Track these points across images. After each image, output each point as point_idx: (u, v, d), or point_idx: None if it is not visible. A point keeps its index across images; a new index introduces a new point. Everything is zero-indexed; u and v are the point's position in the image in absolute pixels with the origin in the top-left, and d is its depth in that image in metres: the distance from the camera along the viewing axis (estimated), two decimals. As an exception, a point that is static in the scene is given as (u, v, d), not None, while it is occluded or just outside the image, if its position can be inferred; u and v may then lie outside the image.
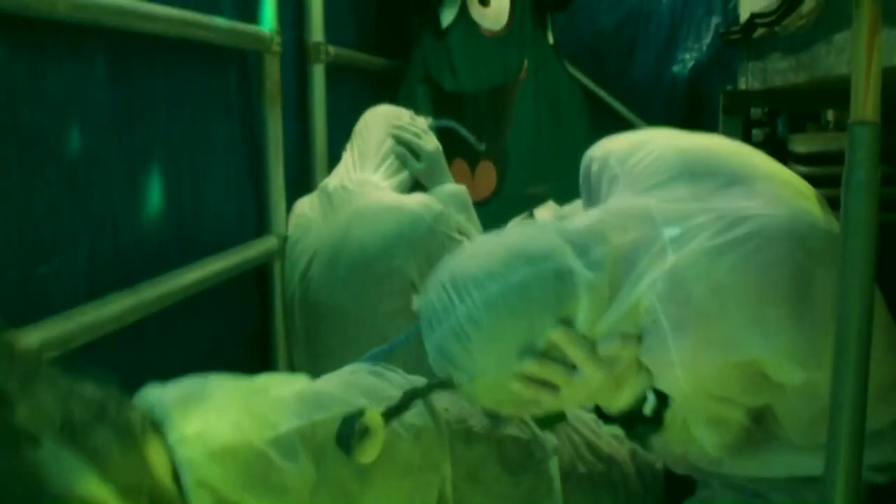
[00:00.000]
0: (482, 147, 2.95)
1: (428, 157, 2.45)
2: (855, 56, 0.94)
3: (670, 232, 1.29)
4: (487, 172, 3.29)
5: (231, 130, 2.20)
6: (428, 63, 3.31)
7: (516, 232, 1.38)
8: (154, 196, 1.84)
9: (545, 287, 1.26)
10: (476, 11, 3.31)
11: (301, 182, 2.64)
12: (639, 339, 1.29)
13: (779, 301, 1.22)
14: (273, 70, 2.33)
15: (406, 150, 2.44)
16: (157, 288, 1.77)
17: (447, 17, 3.29)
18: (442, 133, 3.24)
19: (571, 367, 1.29)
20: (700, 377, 1.26)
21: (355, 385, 1.47)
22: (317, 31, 2.69)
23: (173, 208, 1.91)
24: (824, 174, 2.50)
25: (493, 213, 3.24)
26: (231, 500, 1.20)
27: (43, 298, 1.49)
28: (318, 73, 2.71)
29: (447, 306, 1.29)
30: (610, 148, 1.55)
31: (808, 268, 1.23)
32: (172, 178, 1.90)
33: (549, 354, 1.28)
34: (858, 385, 0.98)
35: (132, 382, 1.63)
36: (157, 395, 1.25)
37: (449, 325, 1.29)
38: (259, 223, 2.35)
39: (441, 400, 1.48)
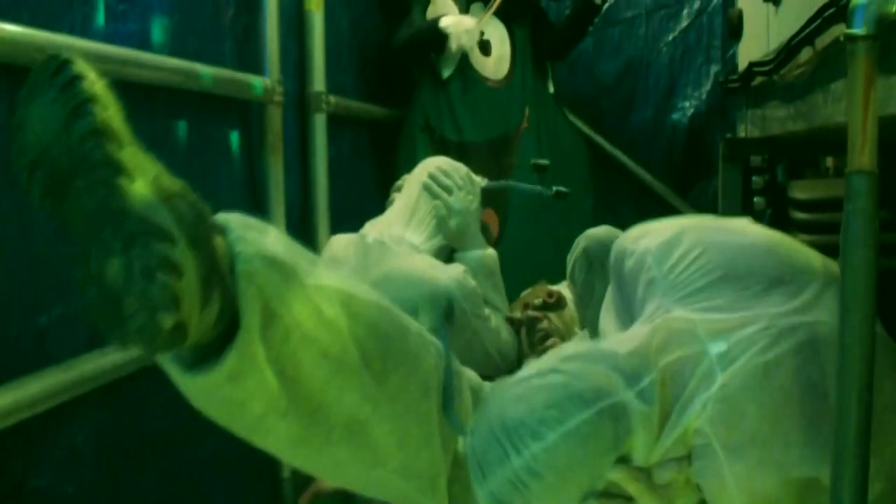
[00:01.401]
0: (552, 192, 2.85)
1: (458, 214, 2.37)
2: (851, 107, 0.94)
3: (716, 348, 1.27)
4: (490, 221, 3.29)
5: (232, 180, 2.20)
6: (428, 112, 3.32)
7: (564, 368, 1.33)
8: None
9: (602, 429, 1.25)
10: (477, 61, 3.32)
11: (302, 231, 2.64)
12: (689, 458, 1.27)
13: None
14: (275, 120, 2.35)
15: (445, 211, 2.36)
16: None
17: (448, 66, 3.30)
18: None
19: (629, 500, 1.28)
20: (756, 497, 1.24)
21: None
22: (318, 80, 2.71)
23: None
24: (824, 220, 2.51)
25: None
26: (273, 304, 1.23)
27: (42, 348, 1.48)
28: (320, 123, 2.72)
29: (501, 457, 1.27)
30: (647, 246, 1.52)
31: None
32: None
33: (608, 491, 1.27)
34: (859, 434, 0.98)
35: (134, 432, 1.63)
36: (224, 215, 1.32)
37: (505, 475, 1.27)
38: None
39: None
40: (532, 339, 2.30)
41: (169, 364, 1.23)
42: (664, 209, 4.07)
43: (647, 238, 1.55)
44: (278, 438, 1.32)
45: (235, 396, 1.23)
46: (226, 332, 1.21)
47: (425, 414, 1.44)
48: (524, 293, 2.53)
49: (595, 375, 1.28)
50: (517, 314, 2.34)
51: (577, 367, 1.31)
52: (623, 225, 1.89)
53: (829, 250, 1.38)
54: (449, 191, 2.35)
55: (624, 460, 1.25)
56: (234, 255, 1.22)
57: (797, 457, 1.21)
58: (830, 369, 1.20)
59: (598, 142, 4.06)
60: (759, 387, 1.23)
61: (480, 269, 2.31)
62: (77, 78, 1.12)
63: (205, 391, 1.23)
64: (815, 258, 1.46)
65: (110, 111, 1.14)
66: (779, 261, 1.41)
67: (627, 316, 1.55)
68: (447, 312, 1.51)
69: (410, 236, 2.32)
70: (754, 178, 3.08)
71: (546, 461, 1.24)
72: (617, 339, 1.42)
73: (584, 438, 1.24)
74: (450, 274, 2.20)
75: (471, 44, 3.25)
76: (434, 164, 2.47)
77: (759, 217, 3.52)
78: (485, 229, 2.40)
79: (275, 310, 1.23)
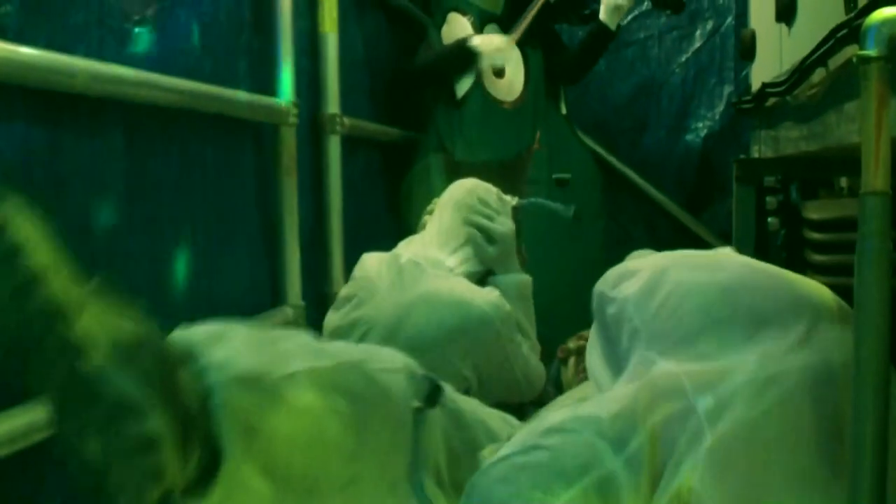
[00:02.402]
0: (570, 213, 2.84)
1: (501, 240, 2.34)
2: (864, 129, 0.95)
3: (703, 404, 1.26)
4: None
5: (247, 201, 2.21)
6: (442, 133, 3.32)
7: (547, 444, 1.32)
8: (169, 267, 1.85)
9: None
10: (490, 83, 3.32)
11: (316, 253, 2.65)
12: None
13: (826, 461, 1.19)
14: (289, 142, 2.36)
15: (481, 236, 2.33)
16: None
17: (462, 88, 3.31)
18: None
19: None
20: None
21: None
22: (332, 102, 2.72)
23: (188, 279, 1.91)
24: (839, 240, 2.51)
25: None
26: (251, 422, 1.24)
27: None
28: (334, 145, 2.73)
29: None
30: (626, 294, 1.51)
31: (849, 413, 1.20)
32: (188, 250, 1.91)
33: None
34: (875, 450, 0.98)
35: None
36: (185, 334, 1.31)
37: None
38: (274, 294, 2.35)
39: None
40: (578, 367, 2.29)
41: None
42: (677, 230, 4.07)
43: (626, 284, 1.53)
44: None
45: None
46: (209, 462, 1.22)
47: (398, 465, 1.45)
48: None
49: (579, 448, 1.28)
50: (571, 344, 2.32)
51: (560, 441, 1.31)
52: (636, 245, 1.88)
53: (843, 270, 1.37)
54: (490, 218, 2.33)
55: None
56: (206, 389, 1.22)
57: None
58: (822, 413, 1.20)
59: (610, 162, 4.07)
60: (748, 442, 1.21)
61: (515, 294, 2.29)
62: (16, 249, 1.08)
63: None
64: (804, 289, 1.43)
65: (55, 285, 1.10)
66: (763, 298, 1.39)
67: (614, 361, 1.53)
68: (431, 397, 1.49)
69: (446, 259, 2.31)
70: (768, 199, 3.08)
71: None
72: (601, 401, 1.40)
73: None
74: (486, 298, 2.19)
75: (502, 63, 3.27)
76: (466, 188, 2.45)
77: (773, 237, 3.52)
78: (519, 251, 2.40)
79: (254, 425, 1.24)
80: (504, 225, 2.36)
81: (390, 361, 1.48)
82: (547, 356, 2.38)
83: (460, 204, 2.38)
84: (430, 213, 2.42)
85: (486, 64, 3.23)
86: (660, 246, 4.10)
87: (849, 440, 1.15)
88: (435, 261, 2.29)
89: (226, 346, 1.29)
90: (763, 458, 1.21)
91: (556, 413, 1.46)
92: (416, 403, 1.46)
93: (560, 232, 3.27)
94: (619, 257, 1.78)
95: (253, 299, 2.24)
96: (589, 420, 1.32)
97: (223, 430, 1.21)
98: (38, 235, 1.10)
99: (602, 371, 1.58)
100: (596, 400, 1.42)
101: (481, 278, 2.34)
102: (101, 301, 1.14)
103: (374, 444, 1.38)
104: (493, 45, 3.25)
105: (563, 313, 2.73)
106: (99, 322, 1.12)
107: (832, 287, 1.54)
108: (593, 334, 1.66)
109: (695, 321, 1.37)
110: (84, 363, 1.08)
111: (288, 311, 2.33)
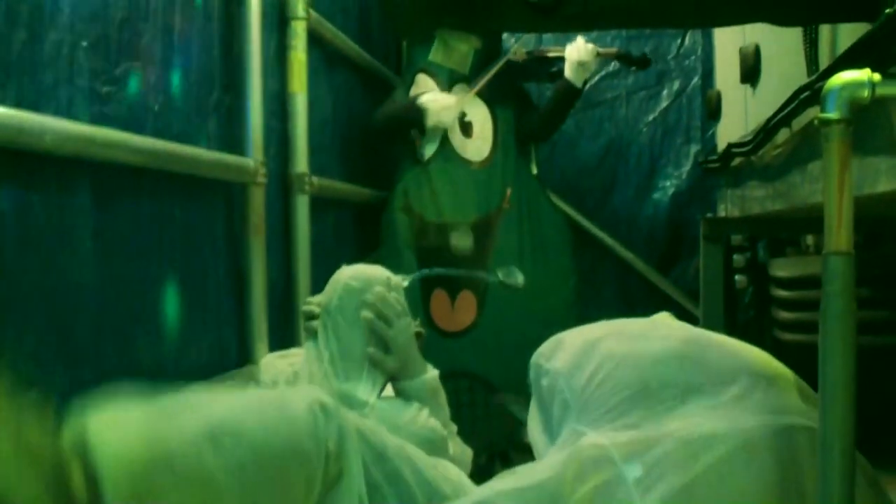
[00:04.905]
0: (498, 279, 2.79)
1: (400, 350, 2.01)
2: (827, 189, 0.96)
3: (632, 472, 1.24)
4: (468, 303, 3.27)
5: (215, 261, 2.20)
6: (409, 193, 3.32)
7: None
8: (136, 326, 1.83)
9: None
10: (458, 142, 3.33)
11: (284, 312, 2.64)
12: None
13: None
14: (257, 201, 2.36)
15: (380, 353, 1.98)
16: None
17: (429, 147, 3.32)
18: (424, 259, 3.24)
19: None
20: None
21: None
22: (301, 162, 2.72)
23: (154, 338, 1.90)
24: (806, 298, 2.53)
25: (472, 344, 3.23)
26: (141, 499, 1.22)
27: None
28: (303, 204, 2.73)
29: None
30: (557, 367, 1.50)
31: (788, 474, 1.20)
32: (154, 309, 1.90)
33: None
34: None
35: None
36: (79, 424, 1.26)
37: None
38: (240, 354, 2.34)
39: None
40: None
41: None
42: (646, 288, 4.09)
43: (558, 355, 1.52)
44: None
45: None
46: None
47: None
48: None
49: None
50: None
51: None
52: (606, 304, 1.88)
53: (811, 327, 1.38)
54: (389, 322, 2.01)
55: None
56: (100, 480, 1.20)
57: None
58: (755, 477, 1.19)
59: (580, 222, 4.09)
60: None
61: (426, 395, 2.04)
62: None
63: None
64: (739, 354, 1.43)
65: None
66: (694, 365, 1.38)
67: (549, 431, 1.52)
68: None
69: (357, 393, 1.97)
70: (735, 257, 3.11)
71: None
72: (527, 471, 1.39)
73: None
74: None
75: (448, 122, 3.27)
76: (354, 289, 2.05)
77: (741, 295, 3.55)
78: (419, 336, 2.21)
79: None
80: (404, 330, 2.04)
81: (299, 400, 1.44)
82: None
83: (352, 318, 2.02)
84: (313, 317, 2.10)
85: (432, 121, 3.23)
86: (630, 304, 4.11)
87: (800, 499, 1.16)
88: (347, 398, 1.95)
89: (119, 433, 1.27)
90: None
91: (483, 487, 1.44)
92: (330, 444, 1.40)
93: (529, 293, 3.26)
94: (589, 318, 1.78)
95: (219, 358, 2.22)
96: (511, 494, 1.31)
97: None
98: None
99: (540, 441, 1.56)
100: (522, 470, 1.40)
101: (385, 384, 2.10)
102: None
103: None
104: (441, 103, 3.26)
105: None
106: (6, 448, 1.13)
107: (800, 344, 1.55)
108: (532, 404, 1.64)
109: (624, 392, 1.36)
110: None
111: (255, 371, 2.32)
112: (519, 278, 2.76)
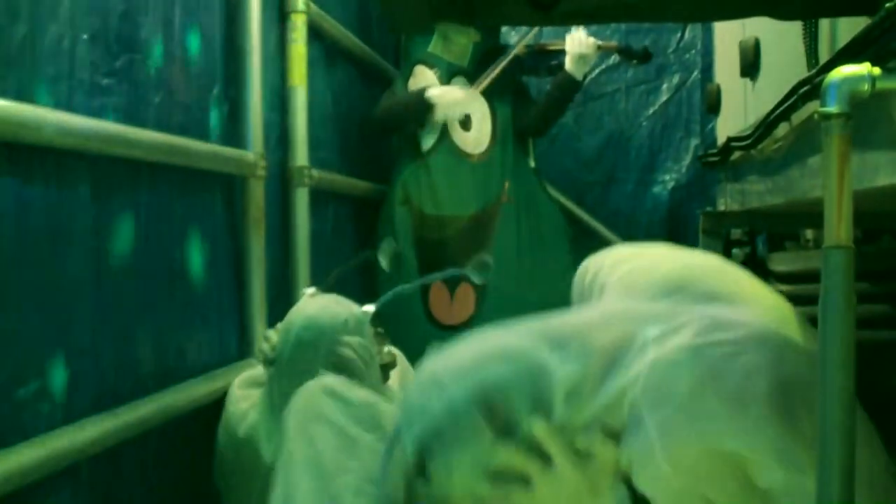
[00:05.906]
0: (461, 273, 2.79)
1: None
2: (826, 183, 0.96)
3: (653, 330, 1.30)
4: (466, 297, 3.28)
5: (214, 253, 2.20)
6: (408, 186, 3.33)
7: (498, 332, 1.40)
8: (137, 320, 1.83)
9: (520, 383, 1.28)
10: (457, 136, 3.33)
11: (283, 305, 2.64)
12: (619, 439, 1.28)
13: (759, 400, 1.21)
14: (257, 194, 2.36)
15: None
16: (136, 411, 1.76)
17: (428, 141, 3.32)
18: (423, 252, 3.24)
19: (547, 461, 1.28)
20: (683, 475, 1.25)
21: None
22: (300, 155, 2.72)
23: (154, 331, 1.90)
24: (805, 293, 2.52)
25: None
26: None
27: (19, 423, 1.47)
28: (302, 197, 2.73)
29: (425, 403, 1.32)
30: (602, 260, 1.61)
31: (788, 378, 1.23)
32: (154, 302, 1.90)
33: (504, 473, 1.28)
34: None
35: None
36: None
37: (427, 420, 1.31)
38: (240, 347, 2.34)
39: None
40: None
41: None
42: (645, 282, 4.08)
43: (606, 254, 1.64)
44: None
45: None
46: None
47: None
48: None
49: (522, 340, 1.34)
50: None
51: (508, 333, 1.38)
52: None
53: (811, 322, 1.39)
54: (363, 378, 1.95)
55: (545, 417, 1.27)
56: None
57: (723, 430, 1.21)
58: (762, 365, 1.23)
59: (578, 215, 4.09)
60: (691, 364, 1.24)
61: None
62: None
63: None
64: (764, 292, 1.50)
65: None
66: (722, 282, 1.46)
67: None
68: None
69: None
70: (734, 251, 3.10)
71: (463, 404, 1.28)
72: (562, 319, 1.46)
73: (500, 388, 1.28)
74: None
75: (457, 117, 3.28)
76: (301, 324, 1.98)
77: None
78: (390, 366, 2.11)
79: None
80: (374, 378, 1.98)
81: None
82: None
83: (303, 371, 1.91)
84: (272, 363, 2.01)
85: (440, 116, 3.24)
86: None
87: (801, 420, 1.18)
88: None
89: None
90: (701, 377, 1.23)
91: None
92: None
93: (527, 286, 3.27)
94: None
95: (219, 352, 2.22)
96: (537, 326, 1.38)
97: None
98: None
99: None
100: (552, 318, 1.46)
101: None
102: None
103: None
104: (451, 97, 3.26)
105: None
106: None
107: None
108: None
109: (654, 288, 1.44)
110: None
111: (254, 364, 2.32)
112: (484, 272, 2.75)
